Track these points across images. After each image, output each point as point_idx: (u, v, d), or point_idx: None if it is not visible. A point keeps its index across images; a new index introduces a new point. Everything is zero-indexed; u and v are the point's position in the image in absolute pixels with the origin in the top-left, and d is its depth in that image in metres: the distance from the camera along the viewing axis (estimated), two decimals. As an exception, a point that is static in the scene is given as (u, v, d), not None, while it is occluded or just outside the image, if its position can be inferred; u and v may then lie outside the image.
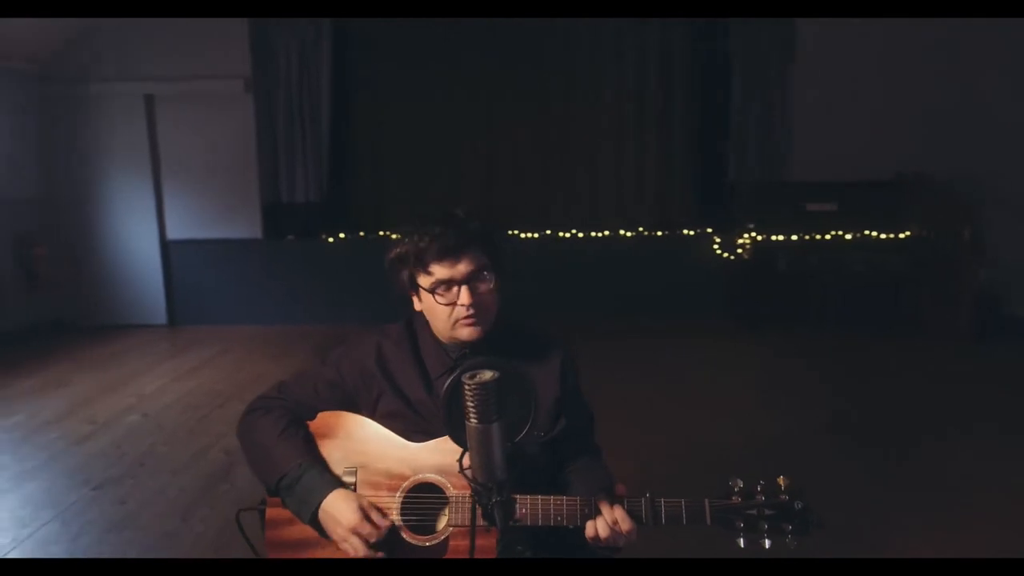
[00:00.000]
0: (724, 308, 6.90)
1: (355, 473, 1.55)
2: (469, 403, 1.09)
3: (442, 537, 1.46)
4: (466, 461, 1.14)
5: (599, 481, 1.57)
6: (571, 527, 1.41)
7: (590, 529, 1.39)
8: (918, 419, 4.33)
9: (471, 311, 1.54)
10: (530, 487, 1.51)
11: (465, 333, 1.57)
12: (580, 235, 7.31)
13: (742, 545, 1.37)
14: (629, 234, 7.35)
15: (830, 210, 6.64)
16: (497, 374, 1.11)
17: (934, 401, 4.67)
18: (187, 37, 6.52)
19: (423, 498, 1.50)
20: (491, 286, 1.57)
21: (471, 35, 7.12)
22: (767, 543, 1.36)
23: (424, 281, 1.56)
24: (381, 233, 7.17)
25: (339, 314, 6.64)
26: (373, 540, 1.46)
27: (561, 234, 7.34)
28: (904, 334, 6.24)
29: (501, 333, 1.64)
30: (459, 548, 1.43)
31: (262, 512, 1.63)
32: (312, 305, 7.01)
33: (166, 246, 6.97)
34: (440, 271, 1.53)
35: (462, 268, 1.53)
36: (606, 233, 7.32)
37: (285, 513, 1.56)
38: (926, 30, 6.26)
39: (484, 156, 7.51)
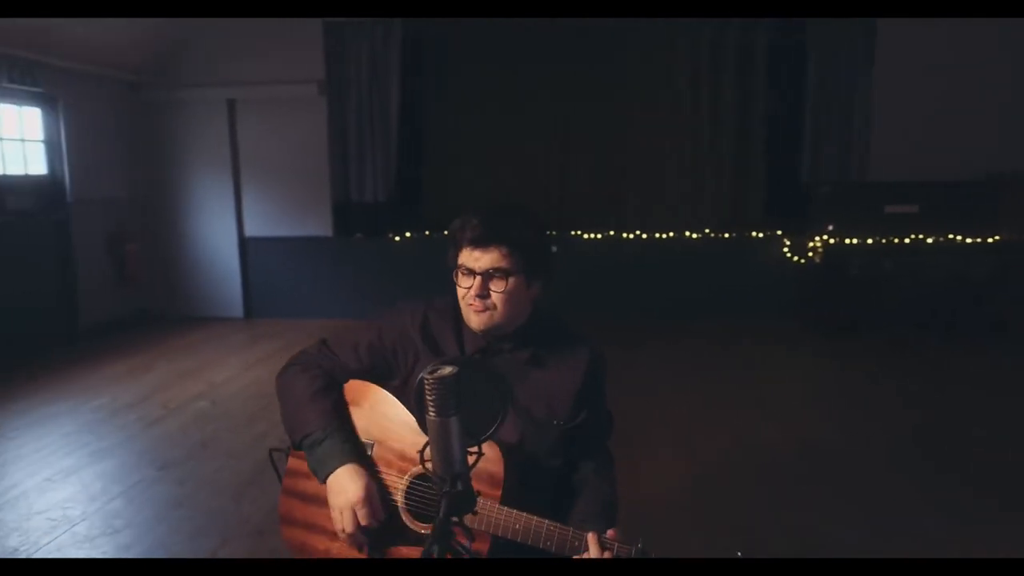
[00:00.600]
0: (792, 312, 6.70)
1: (372, 447, 1.61)
2: (428, 397, 1.13)
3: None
4: (428, 454, 1.18)
5: (602, 509, 1.57)
6: (555, 554, 1.42)
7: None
8: (992, 432, 4.08)
9: (475, 302, 1.58)
10: (539, 479, 1.55)
11: (472, 320, 1.62)
12: (644, 236, 7.24)
13: None
14: (695, 235, 7.22)
15: (910, 212, 6.33)
16: (456, 370, 1.15)
17: (1014, 414, 4.39)
18: (266, 44, 6.84)
19: (428, 486, 1.54)
20: (505, 288, 1.58)
21: (543, 35, 7.12)
22: None
23: (457, 261, 1.64)
24: (447, 232, 7.27)
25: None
26: (365, 523, 1.50)
27: (625, 235, 7.29)
28: (987, 343, 5.89)
29: (533, 325, 1.67)
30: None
31: (287, 456, 1.71)
32: (379, 301, 7.16)
33: (244, 243, 7.33)
34: (466, 257, 1.60)
35: (483, 261, 1.58)
36: (671, 234, 7.21)
37: (305, 467, 1.63)
38: (1015, 25, 5.88)
39: (555, 156, 7.51)
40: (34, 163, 6.08)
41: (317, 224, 7.28)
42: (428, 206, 7.59)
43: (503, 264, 1.58)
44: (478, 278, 1.58)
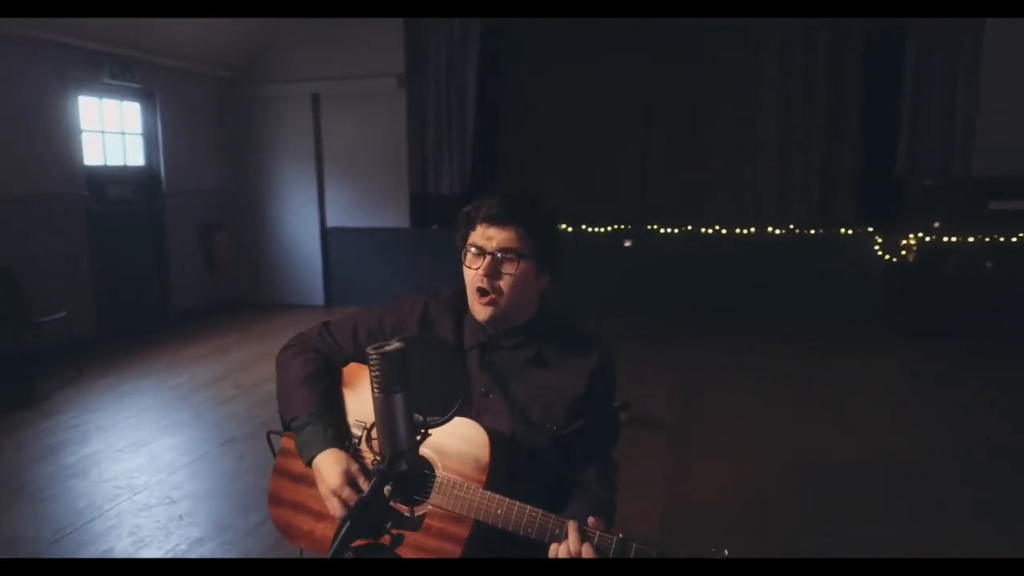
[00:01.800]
0: (880, 313, 6.30)
1: (363, 427, 1.59)
2: (372, 372, 1.10)
3: (420, 512, 1.48)
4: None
5: (594, 506, 1.48)
6: (536, 540, 1.36)
7: (552, 551, 1.34)
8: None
9: (484, 283, 1.52)
10: (534, 481, 1.49)
11: (477, 310, 1.56)
12: (724, 232, 6.97)
13: None
14: (779, 232, 6.90)
15: (1019, 209, 5.81)
16: (402, 346, 1.11)
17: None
18: (348, 40, 7.02)
19: (419, 467, 1.51)
20: (515, 271, 1.52)
21: (625, 33, 6.97)
22: None
23: (467, 240, 1.58)
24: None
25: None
26: (351, 503, 1.47)
27: (705, 230, 7.04)
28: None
29: (540, 322, 1.61)
30: (432, 528, 1.44)
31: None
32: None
33: (326, 234, 7.57)
34: (478, 234, 1.55)
35: (496, 240, 1.52)
36: (752, 230, 6.92)
37: (294, 447, 1.64)
38: None
39: (635, 151, 7.35)
40: (133, 155, 6.49)
41: (395, 216, 7.43)
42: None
43: (516, 245, 1.52)
44: (488, 258, 1.52)
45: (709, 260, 6.85)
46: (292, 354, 1.70)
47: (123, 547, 2.87)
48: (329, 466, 1.50)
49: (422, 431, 1.16)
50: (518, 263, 1.52)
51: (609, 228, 7.18)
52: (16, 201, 5.25)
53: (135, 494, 3.33)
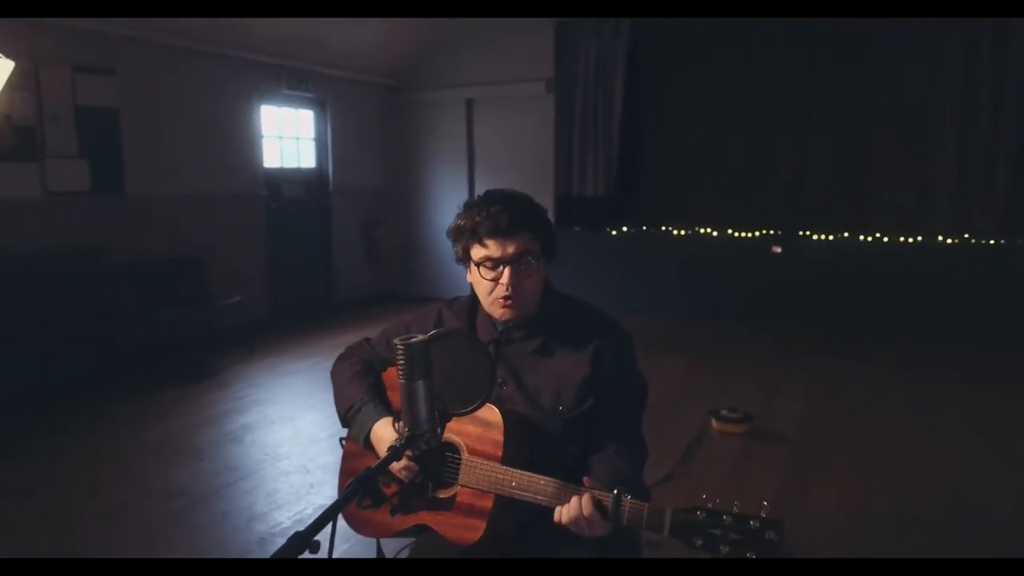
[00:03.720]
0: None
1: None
2: (398, 362, 1.24)
3: (452, 492, 1.60)
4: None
5: (609, 477, 1.52)
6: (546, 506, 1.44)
7: (557, 513, 1.41)
8: None
9: (509, 291, 1.58)
10: (552, 464, 1.55)
11: (498, 313, 1.64)
12: (886, 239, 6.48)
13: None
14: (952, 241, 6.30)
15: None
16: (424, 338, 1.24)
17: None
18: (500, 46, 7.31)
19: (452, 454, 1.64)
20: (535, 273, 1.60)
21: (781, 32, 6.66)
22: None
23: (475, 254, 1.60)
24: (663, 228, 7.25)
25: (618, 303, 6.86)
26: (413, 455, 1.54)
27: (863, 237, 6.58)
28: None
29: (546, 311, 1.67)
30: (461, 505, 1.56)
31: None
32: (592, 293, 7.31)
33: (474, 232, 7.90)
34: (490, 248, 1.57)
35: (511, 249, 1.57)
36: (919, 239, 6.37)
37: (356, 449, 1.78)
38: None
39: (790, 156, 7.02)
40: (305, 158, 7.19)
41: (540, 216, 7.60)
42: (646, 201, 7.57)
43: (532, 247, 1.59)
44: (508, 268, 1.57)
45: (866, 270, 6.40)
46: (339, 362, 1.89)
47: (260, 507, 3.25)
48: (386, 429, 1.64)
49: (443, 417, 1.28)
50: (538, 268, 1.60)
51: (757, 233, 6.91)
52: (206, 198, 6.02)
53: (278, 461, 3.74)
